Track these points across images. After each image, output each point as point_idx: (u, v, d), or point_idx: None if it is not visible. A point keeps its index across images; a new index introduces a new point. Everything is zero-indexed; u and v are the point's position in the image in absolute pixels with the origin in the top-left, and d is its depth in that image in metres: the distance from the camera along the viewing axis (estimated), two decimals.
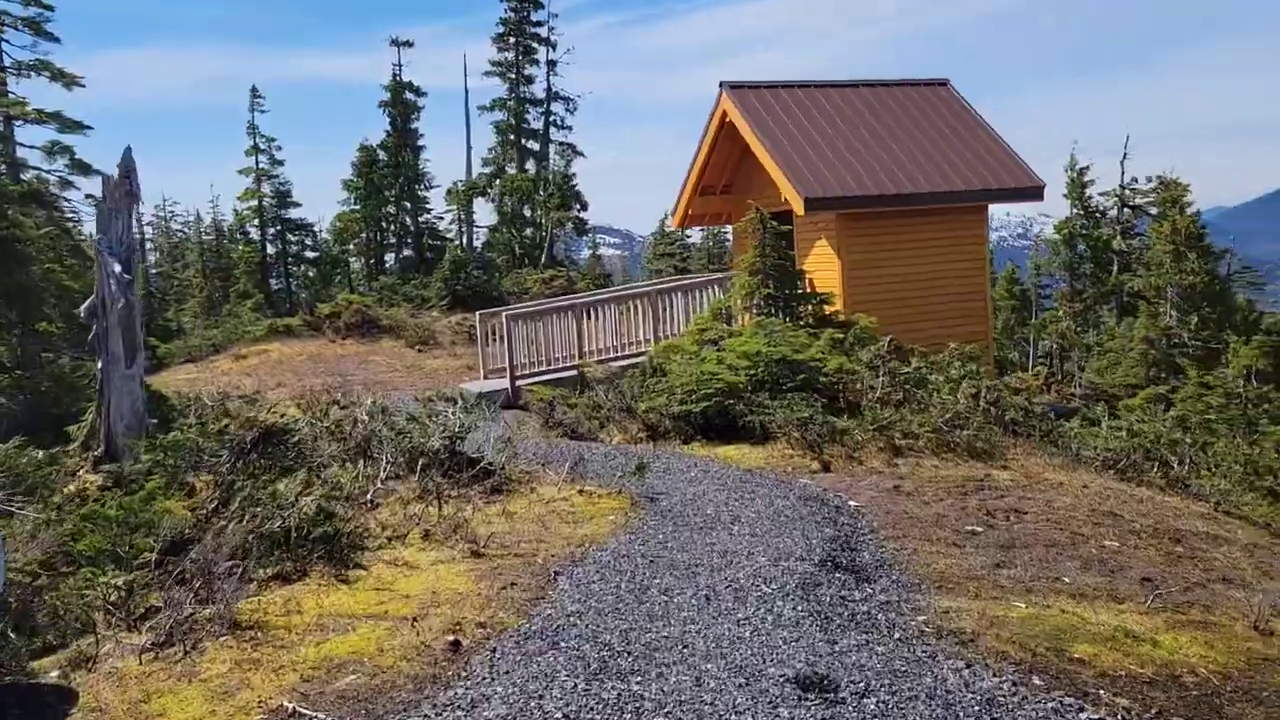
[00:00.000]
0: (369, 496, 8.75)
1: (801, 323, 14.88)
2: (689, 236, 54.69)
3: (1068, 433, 14.42)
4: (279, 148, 31.20)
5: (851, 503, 9.07)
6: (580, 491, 8.91)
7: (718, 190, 20.53)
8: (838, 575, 6.62)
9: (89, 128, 15.48)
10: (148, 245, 58.18)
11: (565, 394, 13.70)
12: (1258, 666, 5.67)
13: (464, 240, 38.48)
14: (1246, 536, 9.39)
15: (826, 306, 15.36)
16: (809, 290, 15.51)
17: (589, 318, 17.37)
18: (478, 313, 18.62)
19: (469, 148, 38.85)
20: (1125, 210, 31.70)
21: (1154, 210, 31.02)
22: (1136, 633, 5.99)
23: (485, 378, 17.99)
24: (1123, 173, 30.90)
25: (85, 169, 18.56)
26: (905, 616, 6.01)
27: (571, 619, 5.78)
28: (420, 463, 9.27)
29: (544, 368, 16.81)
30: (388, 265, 34.03)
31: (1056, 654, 5.57)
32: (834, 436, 11.22)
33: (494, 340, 17.90)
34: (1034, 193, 18.21)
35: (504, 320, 16.63)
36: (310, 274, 32.24)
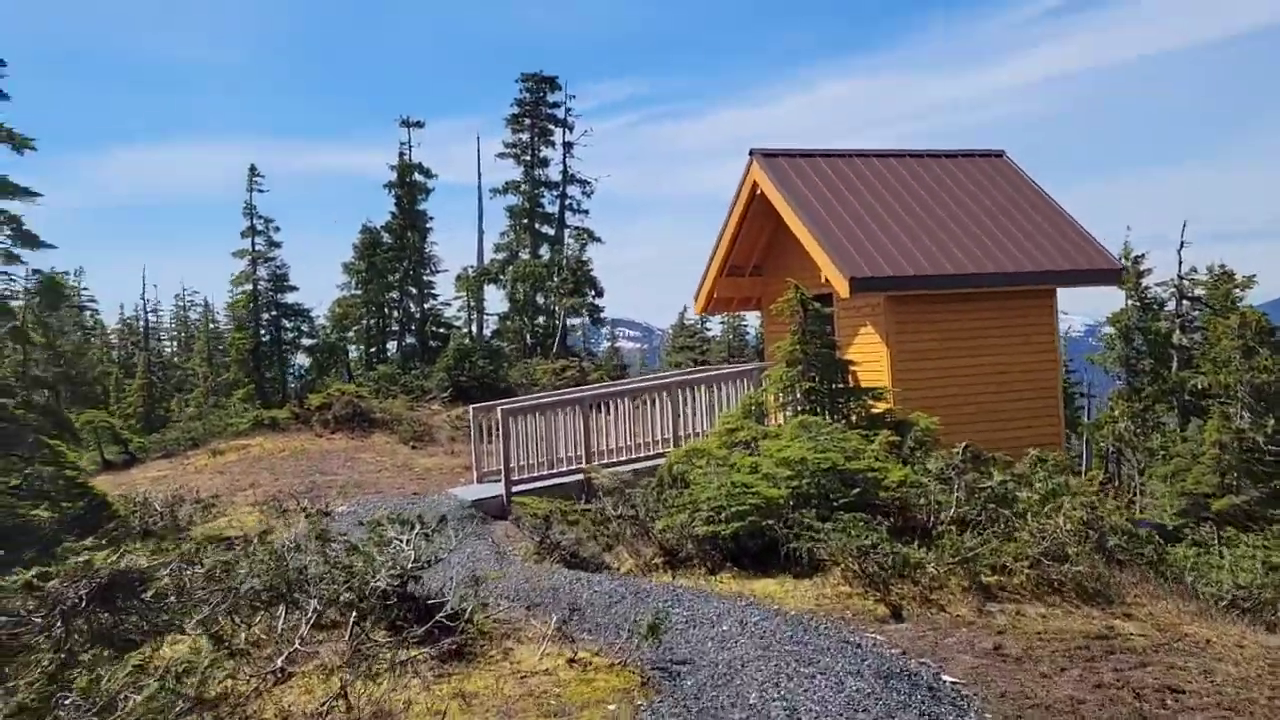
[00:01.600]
0: (279, 662, 6.31)
1: (848, 422, 12.47)
2: (709, 329, 52.75)
3: (1178, 562, 11.85)
4: (277, 229, 29.46)
5: (947, 678, 6.55)
6: (571, 660, 6.43)
7: (746, 271, 18.36)
8: None
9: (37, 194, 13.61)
10: (165, 336, 56.79)
11: (567, 505, 11.25)
12: None
13: (474, 329, 36.49)
14: None
15: (878, 403, 12.97)
16: (855, 384, 13.14)
17: (598, 413, 15.03)
18: (471, 407, 16.32)
19: (480, 232, 37.15)
20: (1184, 302, 29.31)
21: (1210, 303, 28.69)
22: None
23: (479, 481, 15.60)
24: (1180, 262, 28.64)
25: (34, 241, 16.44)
26: None
27: None
28: (356, 611, 6.83)
29: (545, 471, 14.41)
30: (389, 354, 31.92)
31: None
32: (903, 570, 8.73)
33: (490, 438, 15.57)
34: (1109, 276, 15.92)
35: (499, 415, 14.31)
36: (306, 363, 30.10)
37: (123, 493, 18.05)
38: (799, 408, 12.69)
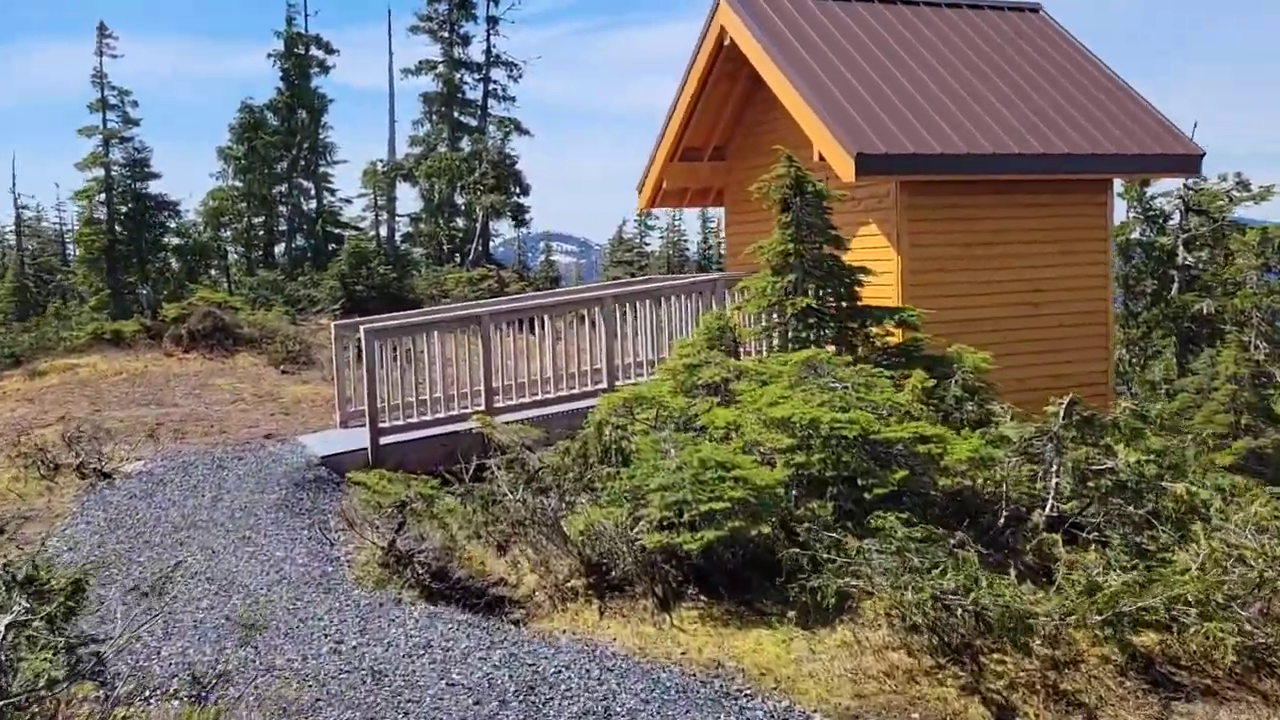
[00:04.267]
0: None
1: (856, 358, 8.58)
2: (648, 244, 48.80)
3: None
4: (134, 103, 24.34)
5: None
6: None
7: (705, 154, 14.22)
8: None
9: None
10: (50, 235, 50.73)
11: (431, 487, 7.14)
12: None
13: (383, 233, 31.84)
14: None
15: (902, 331, 9.13)
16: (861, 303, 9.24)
17: (506, 336, 10.97)
18: (334, 323, 12.12)
19: (392, 121, 32.19)
20: (1190, 216, 25.89)
21: (1219, 216, 25.33)
22: None
23: (343, 424, 11.51)
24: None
25: None
26: None
27: None
28: None
29: (428, 415, 10.37)
30: (277, 260, 27.23)
31: None
32: (1014, 632, 4.94)
33: (355, 366, 11.43)
34: (1188, 164, 12.16)
35: (362, 336, 10.16)
36: (174, 266, 25.37)
37: None
38: (790, 335, 8.78)
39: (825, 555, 5.68)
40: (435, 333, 10.42)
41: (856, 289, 8.98)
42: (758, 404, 6.93)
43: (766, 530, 5.80)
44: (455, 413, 10.48)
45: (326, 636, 5.11)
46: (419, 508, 6.41)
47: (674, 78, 14.37)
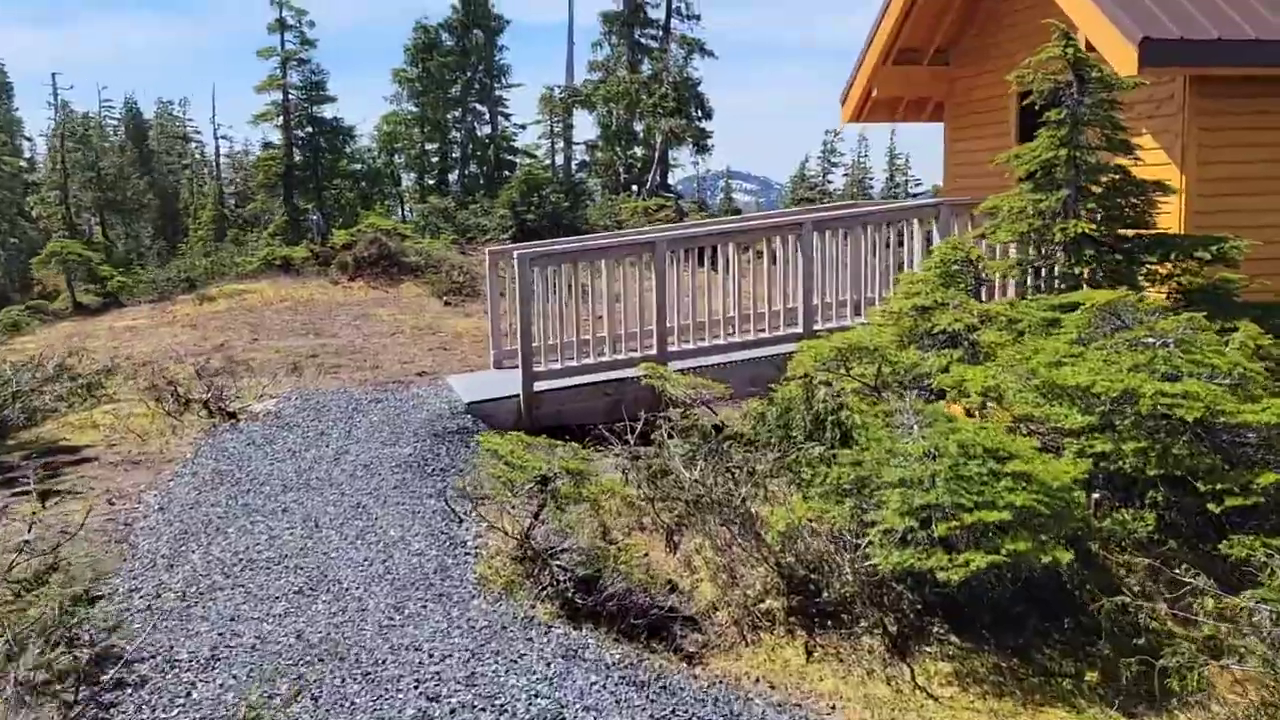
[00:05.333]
0: None
1: (1141, 302, 6.38)
2: (830, 181, 46.03)
3: None
4: (311, 23, 23.72)
5: None
6: None
7: (925, 56, 11.92)
8: None
9: None
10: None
11: (580, 460, 5.50)
12: None
13: (558, 161, 30.61)
14: None
15: (1205, 270, 6.85)
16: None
17: (679, 268, 9.25)
18: (488, 249, 10.68)
19: (570, 44, 30.76)
20: None
21: None
22: None
23: (496, 365, 10.12)
24: None
25: None
26: None
27: None
28: None
29: (587, 359, 8.80)
30: (450, 188, 26.37)
31: None
32: None
33: (510, 298, 9.96)
34: None
35: (516, 262, 8.64)
36: (349, 193, 24.85)
37: (35, 349, 13.28)
38: (1056, 272, 6.67)
39: (1148, 609, 3.74)
40: (601, 261, 8.79)
41: (1150, 213, 6.75)
42: (1029, 363, 4.95)
43: (1064, 558, 3.88)
44: (622, 356, 8.87)
45: (419, 684, 3.60)
46: (565, 486, 4.82)
47: (873, 5, 12.05)
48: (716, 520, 5.03)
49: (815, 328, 9.03)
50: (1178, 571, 3.93)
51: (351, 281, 18.47)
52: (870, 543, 4.26)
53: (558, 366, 8.73)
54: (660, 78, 26.89)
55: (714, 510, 5.05)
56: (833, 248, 9.33)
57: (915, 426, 4.39)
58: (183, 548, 5.26)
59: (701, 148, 28.12)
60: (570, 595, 4.43)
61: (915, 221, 9.49)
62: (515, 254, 8.75)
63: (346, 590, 4.58)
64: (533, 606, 4.43)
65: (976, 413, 5.26)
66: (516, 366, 8.91)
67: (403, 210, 24.37)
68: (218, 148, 44.92)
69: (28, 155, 47.09)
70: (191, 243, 33.56)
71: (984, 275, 7.19)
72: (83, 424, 8.90)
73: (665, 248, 8.79)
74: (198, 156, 51.13)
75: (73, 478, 7.15)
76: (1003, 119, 10.95)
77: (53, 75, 36.71)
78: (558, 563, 4.51)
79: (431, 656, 3.88)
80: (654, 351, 8.76)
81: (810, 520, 4.47)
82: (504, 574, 4.80)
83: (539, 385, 8.64)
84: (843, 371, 5.69)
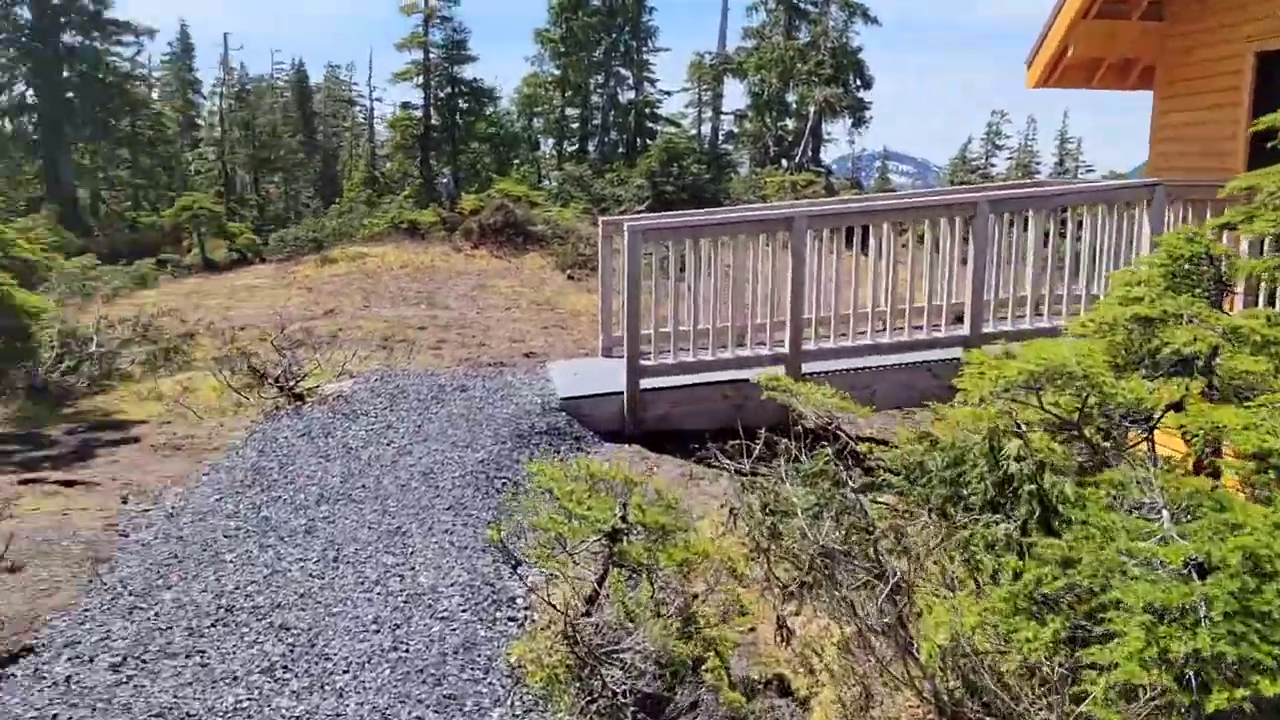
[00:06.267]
0: None
1: None
2: (993, 164, 43.01)
3: None
4: None
5: None
6: None
7: (1135, 11, 9.97)
8: None
9: None
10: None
11: (665, 513, 4.13)
12: None
13: (705, 131, 29.10)
14: None
15: None
16: None
17: (821, 250, 7.75)
18: (601, 219, 9.40)
19: (725, 9, 29.14)
20: None
21: None
22: None
23: (605, 352, 8.88)
24: None
25: None
26: None
27: None
28: None
29: (705, 355, 7.42)
30: (589, 154, 25.27)
31: None
32: None
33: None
34: None
35: (626, 236, 7.32)
36: (486, 157, 24.06)
37: (148, 307, 12.81)
38: None
39: None
40: (726, 238, 7.38)
41: None
42: None
43: None
44: (748, 353, 7.47)
45: None
46: (636, 548, 3.49)
47: None
48: (843, 609, 3.60)
49: (985, 329, 7.42)
50: None
51: (475, 249, 17.59)
52: (1083, 686, 2.77)
53: (670, 361, 7.40)
54: (818, 43, 25.01)
55: (841, 600, 3.62)
56: (1012, 234, 7.67)
57: (1164, 511, 2.86)
58: (160, 581, 4.19)
59: (859, 120, 26.10)
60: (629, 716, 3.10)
61: (1117, 207, 7.70)
62: (625, 225, 7.43)
63: (329, 674, 3.39)
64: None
65: (1243, 489, 3.65)
66: (625, 356, 7.62)
67: (538, 175, 23.39)
68: (371, 110, 45.27)
69: (203, 115, 48.75)
70: (343, 203, 33.79)
71: (1222, 273, 5.45)
72: (148, 394, 8.12)
73: (805, 225, 7.31)
74: (360, 119, 52.04)
75: (103, 462, 6.28)
76: (1233, 84, 8.99)
77: (224, 35, 37.40)
78: (614, 668, 3.18)
79: None
80: (785, 349, 7.33)
81: (981, 640, 3.00)
82: (549, 662, 3.51)
83: (646, 382, 7.33)
84: (1035, 403, 4.15)
